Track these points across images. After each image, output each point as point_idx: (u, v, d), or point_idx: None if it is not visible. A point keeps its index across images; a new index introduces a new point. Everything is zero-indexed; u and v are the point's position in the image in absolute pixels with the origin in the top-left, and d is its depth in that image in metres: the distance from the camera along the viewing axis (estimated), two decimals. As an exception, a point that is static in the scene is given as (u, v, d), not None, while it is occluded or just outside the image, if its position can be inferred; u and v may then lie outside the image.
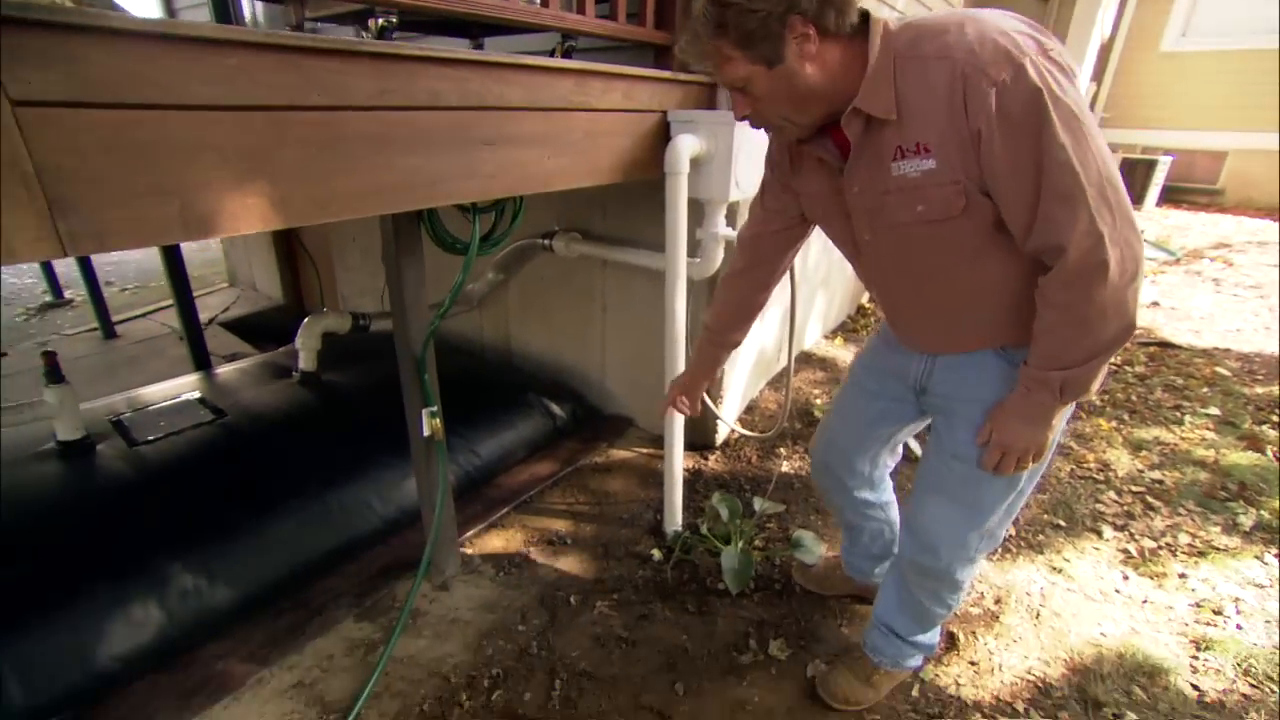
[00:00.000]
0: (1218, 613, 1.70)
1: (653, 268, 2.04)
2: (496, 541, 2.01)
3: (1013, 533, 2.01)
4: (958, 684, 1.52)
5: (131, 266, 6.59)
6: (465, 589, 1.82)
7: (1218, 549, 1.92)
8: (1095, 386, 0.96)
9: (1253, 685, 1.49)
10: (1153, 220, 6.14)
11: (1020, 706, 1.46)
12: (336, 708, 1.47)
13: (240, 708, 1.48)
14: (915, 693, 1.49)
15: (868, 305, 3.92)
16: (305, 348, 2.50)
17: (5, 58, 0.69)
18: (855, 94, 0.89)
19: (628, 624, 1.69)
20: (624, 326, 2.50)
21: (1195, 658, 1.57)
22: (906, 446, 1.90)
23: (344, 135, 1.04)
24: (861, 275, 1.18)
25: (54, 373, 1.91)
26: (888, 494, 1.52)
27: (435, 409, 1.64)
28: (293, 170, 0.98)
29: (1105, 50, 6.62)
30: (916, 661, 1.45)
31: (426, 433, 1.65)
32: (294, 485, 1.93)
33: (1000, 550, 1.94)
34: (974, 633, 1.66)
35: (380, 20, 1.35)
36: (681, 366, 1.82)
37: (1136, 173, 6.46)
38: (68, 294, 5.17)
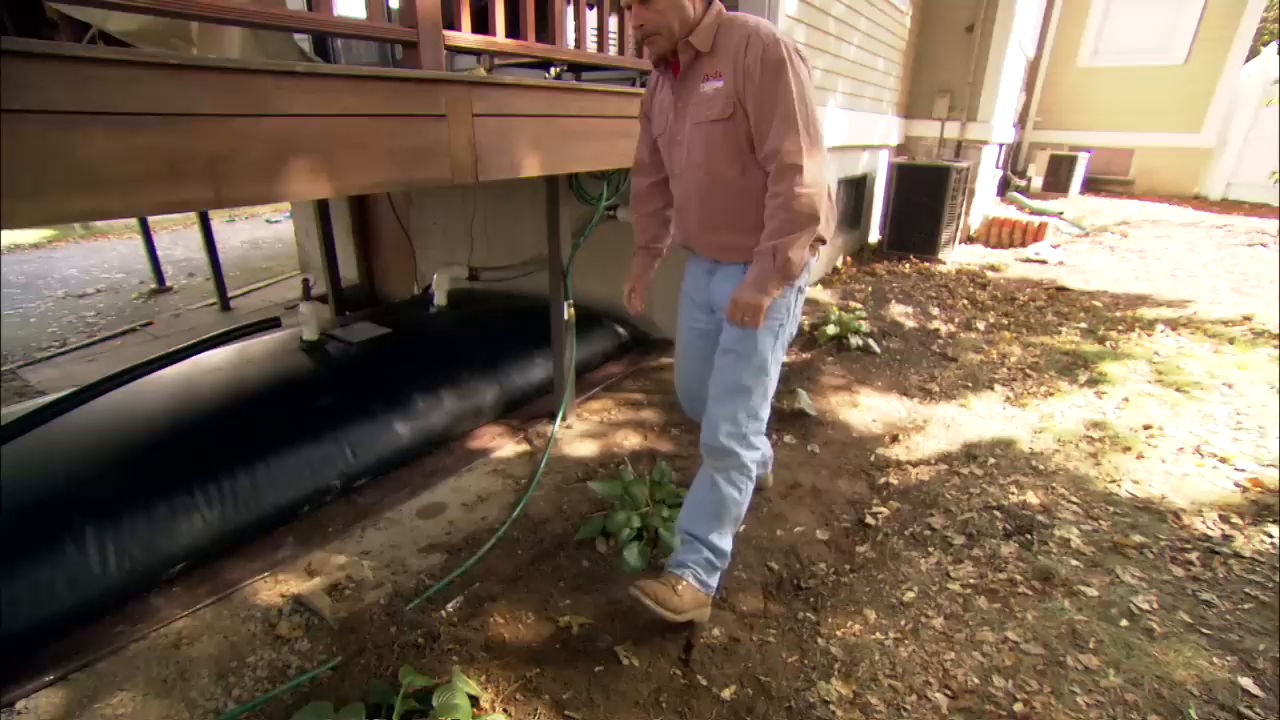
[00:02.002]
0: (1049, 417, 2.76)
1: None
2: (595, 405, 3.01)
3: (936, 390, 3.07)
4: (897, 456, 2.55)
5: (201, 262, 7.51)
6: (581, 426, 2.82)
7: (1061, 392, 3.00)
8: (798, 262, 1.41)
9: (1058, 445, 2.55)
10: (1074, 205, 7.37)
11: (933, 462, 2.50)
12: (522, 480, 2.45)
13: (463, 480, 2.46)
14: (871, 458, 2.52)
15: (840, 267, 4.99)
16: (439, 288, 3.48)
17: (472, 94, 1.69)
18: (693, 33, 1.43)
19: (680, 446, 2.67)
20: (665, 274, 3.52)
21: (1035, 435, 2.63)
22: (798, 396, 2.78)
23: (572, 130, 2.06)
24: (677, 189, 1.63)
25: (307, 292, 2.87)
26: None
27: (572, 301, 2.64)
28: (557, 145, 2.00)
29: (1033, 67, 7.87)
30: (714, 581, 1.66)
31: (566, 317, 2.65)
32: (454, 368, 2.89)
33: (927, 397, 2.99)
34: (908, 434, 2.70)
35: (555, 69, 2.37)
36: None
37: (1062, 167, 7.70)
38: (169, 282, 6.06)
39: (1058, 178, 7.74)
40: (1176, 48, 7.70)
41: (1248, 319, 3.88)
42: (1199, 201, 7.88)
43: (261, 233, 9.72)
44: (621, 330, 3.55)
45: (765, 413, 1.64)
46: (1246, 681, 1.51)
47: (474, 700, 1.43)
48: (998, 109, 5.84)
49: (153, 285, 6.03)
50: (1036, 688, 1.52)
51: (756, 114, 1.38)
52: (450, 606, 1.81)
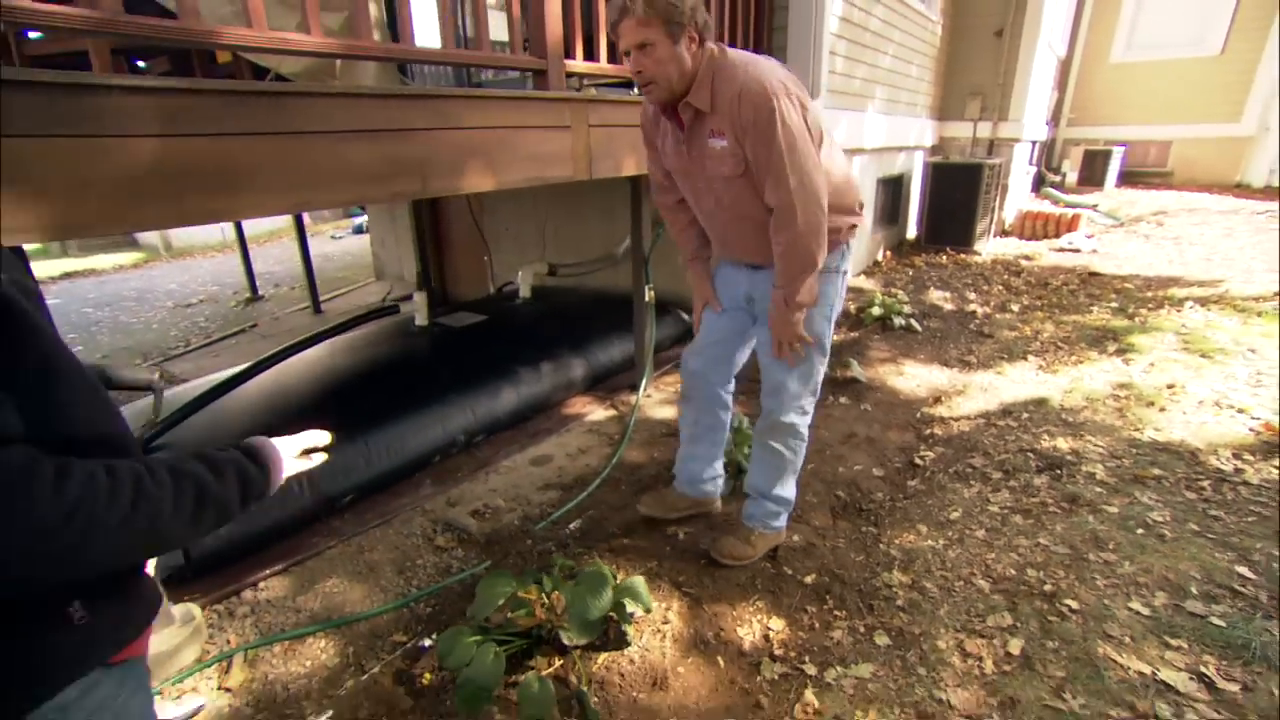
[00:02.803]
0: (1079, 380, 3.06)
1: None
2: (667, 379, 3.42)
3: (974, 361, 3.39)
4: (940, 414, 2.89)
5: (282, 274, 8.24)
6: (659, 395, 3.23)
7: (1091, 360, 3.29)
8: (806, 297, 1.58)
9: (1086, 403, 2.85)
10: (1109, 197, 7.51)
11: (972, 417, 2.83)
12: (614, 437, 2.88)
13: (564, 438, 2.90)
14: (917, 415, 2.87)
15: (880, 260, 5.32)
16: (524, 282, 3.96)
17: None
18: (689, 90, 1.49)
19: (746, 408, 3.06)
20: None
21: (1065, 395, 2.94)
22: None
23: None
24: (703, 217, 1.78)
25: (422, 285, 3.37)
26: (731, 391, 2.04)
27: (652, 285, 3.07)
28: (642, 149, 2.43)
29: (1065, 66, 8.06)
30: (781, 522, 1.94)
31: (647, 299, 3.08)
32: (548, 346, 3.34)
33: (966, 367, 3.32)
34: (949, 397, 3.03)
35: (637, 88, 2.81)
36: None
37: (1096, 161, 7.85)
38: (267, 290, 6.76)
39: (1092, 172, 7.88)
40: (1212, 39, 7.79)
41: (1278, 296, 4.07)
42: (1241, 190, 7.90)
43: (329, 248, 10.49)
44: (686, 316, 3.97)
45: (819, 383, 1.86)
46: (1243, 569, 1.82)
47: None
48: (1028, 108, 6.10)
49: (248, 294, 6.72)
50: (1063, 576, 1.85)
51: (757, 168, 1.52)
52: (572, 525, 2.24)
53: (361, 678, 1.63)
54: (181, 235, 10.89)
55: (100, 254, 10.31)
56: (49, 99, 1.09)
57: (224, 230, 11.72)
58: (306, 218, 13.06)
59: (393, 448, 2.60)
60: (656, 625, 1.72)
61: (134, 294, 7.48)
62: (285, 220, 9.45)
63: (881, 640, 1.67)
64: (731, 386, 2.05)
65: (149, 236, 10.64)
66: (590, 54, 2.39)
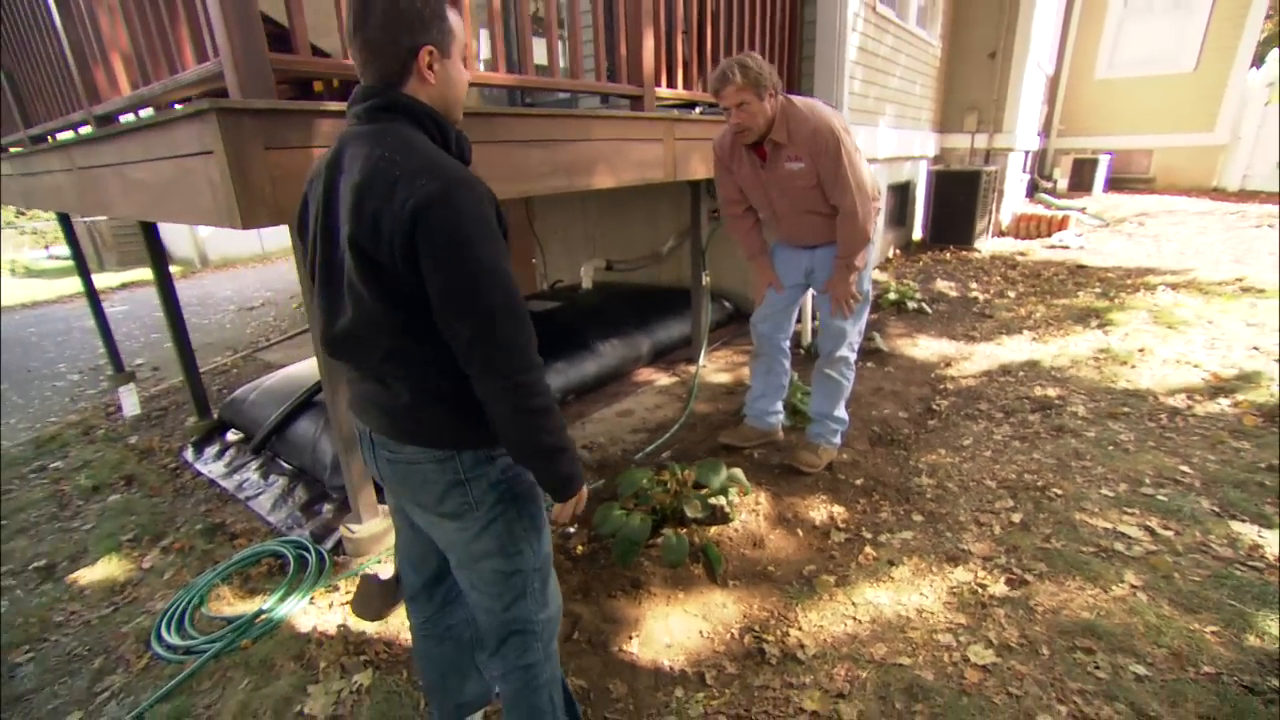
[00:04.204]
0: (1065, 347, 3.67)
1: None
2: (718, 354, 4.03)
3: (977, 335, 4.00)
4: (951, 374, 3.49)
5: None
6: (713, 365, 3.84)
7: (1076, 332, 3.90)
8: (860, 263, 2.24)
9: (1071, 363, 3.45)
10: (1097, 201, 8.17)
11: (977, 376, 3.43)
12: (681, 396, 3.47)
13: (639, 398, 3.50)
14: (932, 375, 3.47)
15: (891, 257, 5.94)
16: (586, 276, 4.58)
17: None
18: (772, 129, 2.14)
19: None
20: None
21: (1053, 358, 3.54)
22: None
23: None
24: (770, 215, 2.41)
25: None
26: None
27: (708, 271, 3.68)
28: (706, 157, 3.06)
29: (1053, 82, 8.76)
30: (838, 440, 2.59)
31: (704, 283, 3.70)
32: (617, 325, 3.94)
33: (970, 340, 3.93)
34: (958, 362, 3.64)
35: (699, 108, 3.45)
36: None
37: (1085, 168, 8.52)
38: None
39: (1081, 178, 8.55)
40: (1186, 57, 8.51)
41: (1240, 280, 4.70)
42: (1217, 193, 8.57)
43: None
44: (727, 304, 4.59)
45: (862, 330, 2.54)
46: (1184, 468, 2.42)
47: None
48: (1020, 121, 6.77)
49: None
50: (1051, 476, 2.45)
51: (826, 182, 2.17)
52: (664, 455, 2.83)
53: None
54: (218, 249, 11.52)
55: (138, 267, 10.95)
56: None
57: (262, 242, 12.39)
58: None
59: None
60: (751, 507, 2.31)
61: (194, 300, 8.10)
62: None
63: (917, 518, 2.27)
64: (789, 343, 2.67)
65: (184, 250, 11.27)
66: (671, 82, 3.02)
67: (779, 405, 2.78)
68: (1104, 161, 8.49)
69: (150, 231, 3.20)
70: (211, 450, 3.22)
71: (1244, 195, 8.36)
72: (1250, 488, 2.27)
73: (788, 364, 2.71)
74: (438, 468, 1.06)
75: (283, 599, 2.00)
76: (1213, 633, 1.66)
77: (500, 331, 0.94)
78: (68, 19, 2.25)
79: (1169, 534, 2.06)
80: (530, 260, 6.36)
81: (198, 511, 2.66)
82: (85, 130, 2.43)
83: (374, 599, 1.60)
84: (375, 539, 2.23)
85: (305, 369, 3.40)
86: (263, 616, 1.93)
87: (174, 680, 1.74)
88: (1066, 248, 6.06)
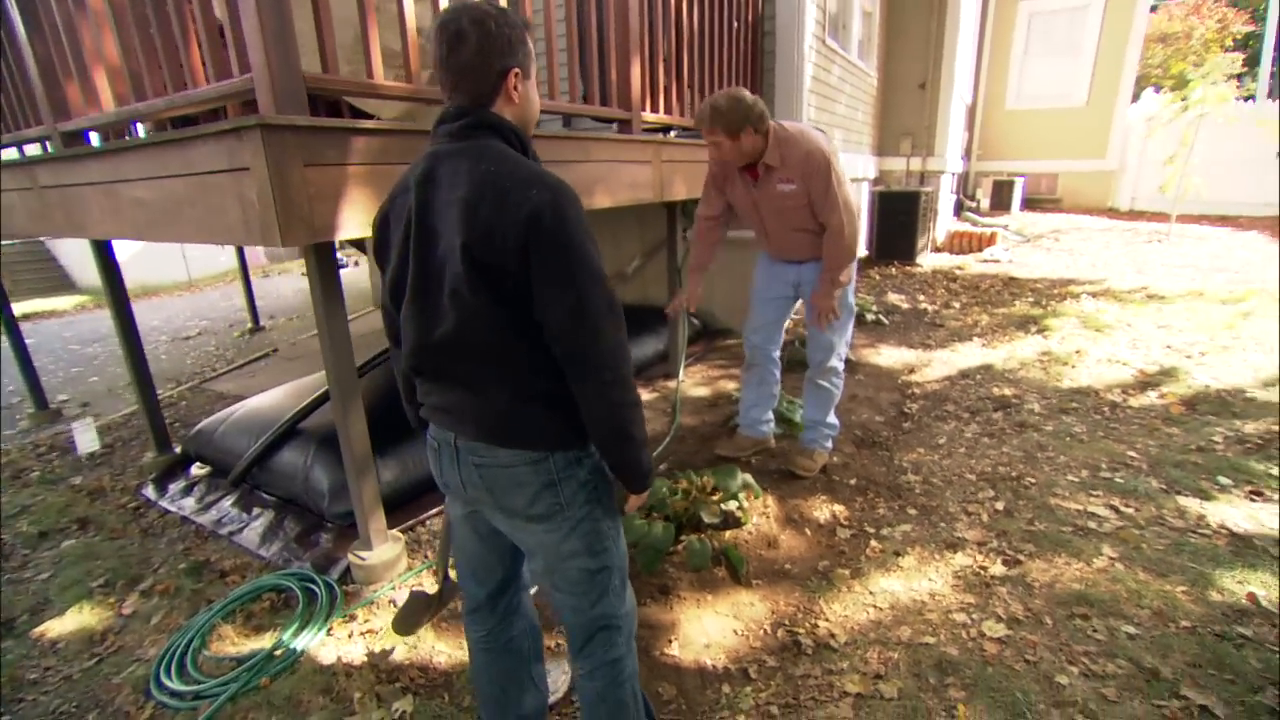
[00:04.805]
0: (1013, 352, 4.02)
1: (739, 239, 4.29)
2: (694, 369, 4.14)
3: (933, 343, 4.30)
4: (915, 379, 3.74)
5: (267, 305, 8.49)
6: (690, 380, 3.94)
7: (1019, 338, 4.28)
8: (845, 278, 2.35)
9: (1020, 365, 3.78)
10: (1015, 219, 8.96)
11: (940, 380, 3.69)
12: (666, 410, 3.55)
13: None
14: (899, 381, 3.70)
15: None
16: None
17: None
18: (760, 156, 2.25)
19: None
20: (724, 278, 4.71)
21: (1004, 361, 3.87)
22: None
23: (689, 169, 3.27)
24: (761, 231, 2.52)
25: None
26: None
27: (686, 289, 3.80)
28: (686, 178, 3.20)
29: (972, 110, 9.59)
30: (830, 444, 2.74)
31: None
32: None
33: (927, 348, 4.22)
34: (919, 368, 3.90)
35: (673, 132, 3.59)
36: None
37: (1003, 190, 9.34)
38: (263, 322, 7.01)
39: (1001, 198, 9.36)
40: (1077, 93, 9.55)
41: (1144, 288, 5.29)
42: (1112, 212, 9.59)
43: (304, 283, 10.69)
44: (696, 321, 4.72)
45: (848, 343, 2.71)
46: (1131, 453, 2.71)
47: (716, 485, 2.51)
48: (949, 146, 7.37)
49: (249, 325, 6.95)
50: (1023, 467, 2.68)
51: (817, 202, 2.29)
52: (661, 467, 2.89)
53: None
54: (136, 276, 10.77)
55: (30, 298, 10.05)
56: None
57: (188, 269, 11.65)
58: (264, 258, 13.06)
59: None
60: (760, 511, 2.40)
61: (115, 331, 7.50)
62: (232, 261, 9.49)
63: (911, 511, 2.43)
64: (779, 353, 2.80)
65: (93, 278, 10.44)
66: (654, 107, 3.15)
67: (770, 414, 2.90)
68: (1019, 183, 9.34)
69: (106, 254, 3.00)
70: (177, 486, 3.01)
71: (1133, 214, 9.39)
72: (1187, 467, 2.57)
73: (778, 374, 2.83)
74: (532, 470, 1.09)
75: (297, 633, 1.91)
76: (1183, 592, 1.87)
77: (602, 327, 1.01)
78: (34, 30, 2.13)
79: (1130, 511, 2.30)
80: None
81: (175, 551, 2.49)
82: (52, 147, 2.28)
83: (417, 613, 1.58)
84: (387, 565, 2.16)
85: (274, 399, 3.25)
86: (280, 651, 1.84)
87: (189, 727, 1.63)
88: (998, 261, 6.61)
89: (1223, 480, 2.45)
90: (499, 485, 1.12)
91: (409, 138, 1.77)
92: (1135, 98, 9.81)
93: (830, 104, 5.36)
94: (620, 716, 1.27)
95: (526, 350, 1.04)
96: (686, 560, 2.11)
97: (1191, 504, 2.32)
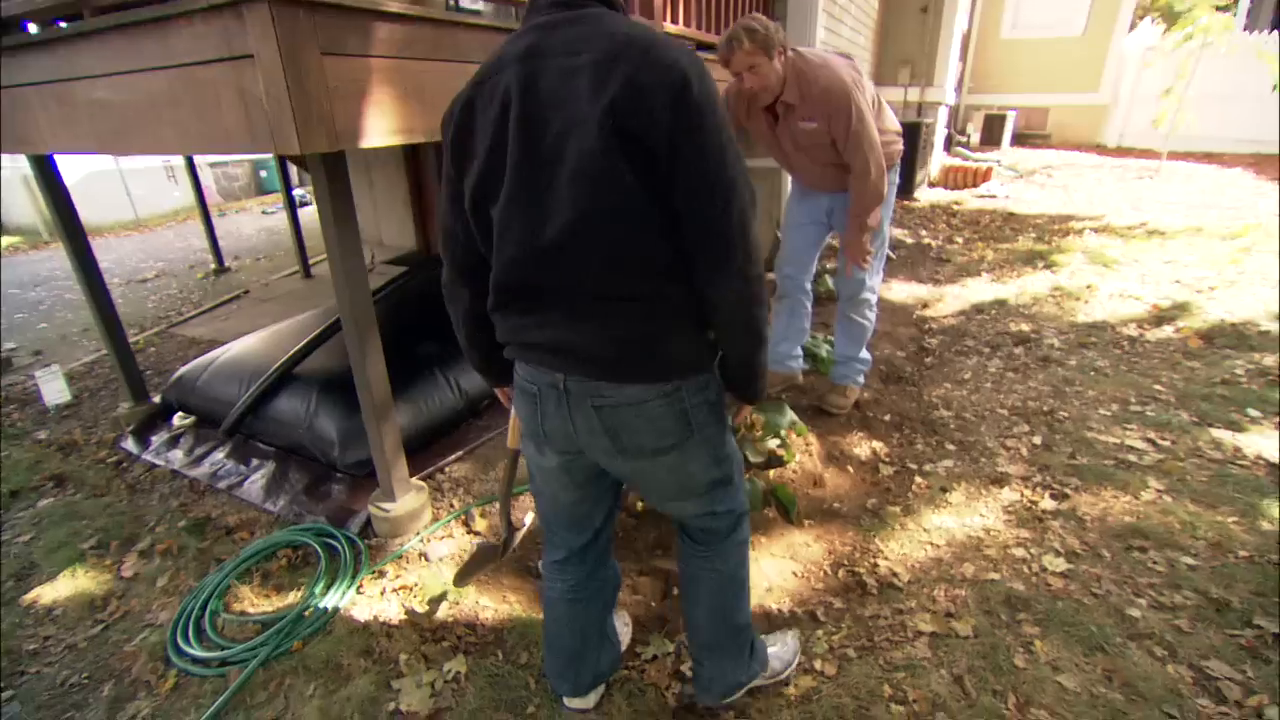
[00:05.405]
0: (1024, 287, 3.97)
1: (760, 168, 4.05)
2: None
3: (942, 278, 4.22)
4: (931, 314, 3.67)
5: (246, 242, 7.94)
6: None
7: (1028, 273, 4.23)
8: (874, 221, 2.20)
9: (1034, 300, 3.74)
10: (1007, 155, 8.84)
11: (955, 315, 3.63)
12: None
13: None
14: (914, 316, 3.62)
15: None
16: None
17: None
18: (779, 94, 2.08)
19: None
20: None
21: (1017, 296, 3.82)
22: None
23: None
24: (787, 166, 2.40)
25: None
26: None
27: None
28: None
29: (966, 39, 9.23)
30: (862, 379, 2.64)
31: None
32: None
33: (937, 283, 4.14)
34: (933, 303, 3.82)
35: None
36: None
37: (995, 124, 9.15)
38: (227, 262, 6.53)
39: (992, 133, 9.18)
40: (1075, 21, 9.26)
41: (1144, 224, 5.27)
42: (1101, 149, 9.54)
43: (267, 222, 10.01)
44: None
45: (881, 275, 2.59)
46: (1158, 387, 2.71)
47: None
48: (949, 76, 7.10)
49: (214, 266, 6.47)
50: (1053, 402, 2.65)
51: (838, 138, 2.11)
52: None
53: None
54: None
55: None
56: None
57: (134, 207, 10.75)
58: (217, 195, 12.13)
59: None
60: (802, 449, 2.32)
61: (61, 274, 6.90)
62: (190, 199, 8.79)
63: (950, 447, 2.38)
64: (811, 285, 2.66)
65: (25, 217, 9.56)
66: (674, 19, 2.84)
67: (799, 349, 2.78)
68: (1011, 118, 9.15)
69: (53, 177, 2.63)
70: (160, 438, 2.78)
71: (1122, 150, 9.36)
72: (1215, 400, 2.58)
73: (810, 306, 2.70)
74: (665, 403, 0.97)
75: (325, 592, 1.78)
76: (1234, 523, 1.87)
77: (750, 215, 0.90)
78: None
79: (1167, 444, 2.30)
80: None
81: (170, 507, 2.30)
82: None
83: (481, 563, 1.49)
84: (412, 516, 2.02)
85: (259, 342, 3.00)
86: (309, 612, 1.71)
87: (222, 697, 1.50)
88: (994, 197, 6.51)
89: (1252, 412, 2.46)
90: (626, 426, 0.98)
91: (439, 28, 1.50)
92: (1131, 27, 9.58)
93: (837, 25, 5.03)
94: (744, 594, 1.31)
95: (663, 245, 0.88)
96: (733, 503, 2.02)
97: (1225, 436, 2.32)
